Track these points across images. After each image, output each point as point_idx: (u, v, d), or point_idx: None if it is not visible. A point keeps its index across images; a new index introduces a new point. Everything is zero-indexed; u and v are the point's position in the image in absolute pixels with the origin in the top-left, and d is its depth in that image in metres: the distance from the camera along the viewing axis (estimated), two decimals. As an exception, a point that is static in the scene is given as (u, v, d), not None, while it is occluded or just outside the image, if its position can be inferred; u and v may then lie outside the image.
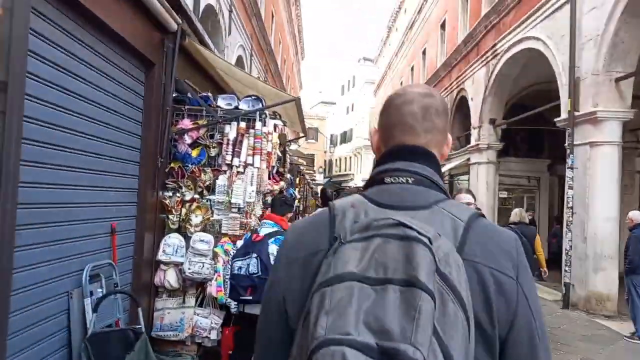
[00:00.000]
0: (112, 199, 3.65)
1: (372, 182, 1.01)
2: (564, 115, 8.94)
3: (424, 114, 1.00)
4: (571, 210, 8.54)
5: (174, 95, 4.56)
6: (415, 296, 0.66)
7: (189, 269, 4.15)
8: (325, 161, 54.61)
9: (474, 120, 13.91)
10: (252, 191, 4.32)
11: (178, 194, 4.41)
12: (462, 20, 15.82)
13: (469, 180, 14.33)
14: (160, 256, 4.20)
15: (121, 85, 3.79)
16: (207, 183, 4.41)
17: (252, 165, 4.40)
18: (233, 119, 4.50)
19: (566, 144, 8.77)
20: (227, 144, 4.41)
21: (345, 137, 50.38)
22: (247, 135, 4.46)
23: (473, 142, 13.79)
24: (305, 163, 19.22)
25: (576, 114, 8.46)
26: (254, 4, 12.90)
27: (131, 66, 3.93)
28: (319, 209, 1.95)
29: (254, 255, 3.40)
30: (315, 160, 37.16)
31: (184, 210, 4.36)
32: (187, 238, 4.33)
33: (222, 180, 4.37)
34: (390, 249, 0.73)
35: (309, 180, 25.19)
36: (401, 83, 28.00)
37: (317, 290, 0.73)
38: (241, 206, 4.29)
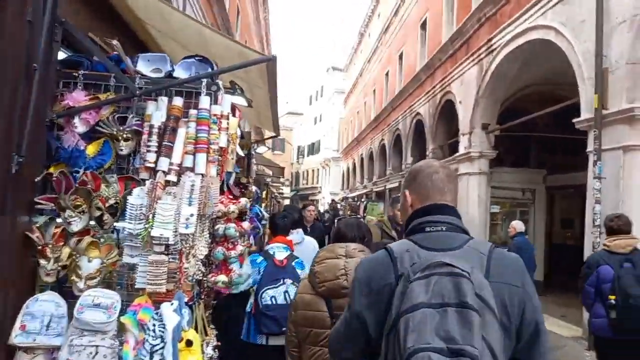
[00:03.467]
0: None
1: (414, 230, 1.43)
2: (585, 114, 7.47)
3: (446, 180, 1.51)
4: (598, 229, 7.00)
5: (61, 55, 2.69)
6: (468, 314, 1.11)
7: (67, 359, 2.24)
8: (292, 173, 52.85)
9: (464, 125, 12.41)
10: (192, 215, 2.47)
11: (59, 221, 2.50)
12: (447, 17, 14.43)
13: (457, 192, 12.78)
14: (15, 337, 2.27)
15: None
16: (112, 201, 2.53)
17: (192, 170, 2.56)
18: (162, 92, 2.65)
19: (590, 149, 7.27)
20: (150, 133, 2.55)
21: (313, 149, 48.89)
22: (186, 120, 2.61)
23: (462, 150, 12.26)
24: (272, 173, 17.31)
25: (604, 112, 6.98)
26: (214, -12, 11.03)
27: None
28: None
29: (290, 281, 3.22)
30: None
31: (66, 250, 2.45)
32: (72, 299, 2.43)
33: (137, 196, 2.49)
34: (444, 283, 1.16)
35: (276, 194, 23.30)
36: (374, 91, 26.66)
37: (402, 316, 1.14)
38: (170, 241, 2.42)
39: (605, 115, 6.98)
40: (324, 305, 2.19)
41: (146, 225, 2.42)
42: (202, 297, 2.72)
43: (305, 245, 4.42)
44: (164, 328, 2.40)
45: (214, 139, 2.58)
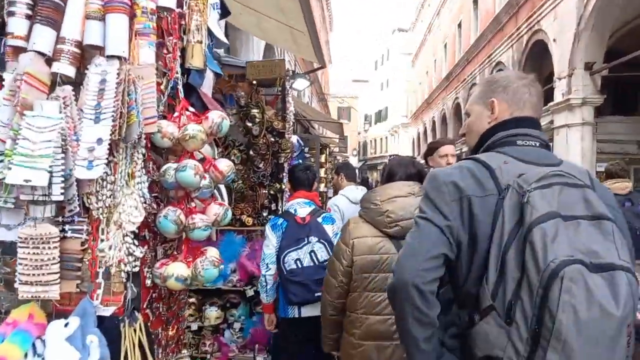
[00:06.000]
0: None
1: (501, 143, 1.24)
2: None
3: (541, 96, 1.31)
4: None
5: None
6: (605, 225, 0.99)
7: None
8: (359, 143, 51.23)
9: (560, 67, 10.26)
10: (100, 141, 1.18)
11: None
12: (533, -61, 12.05)
13: (553, 149, 10.74)
14: None
15: None
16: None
17: (102, 53, 1.25)
18: None
19: None
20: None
21: (380, 116, 46.78)
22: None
23: (559, 97, 10.13)
24: (337, 136, 15.97)
25: None
26: None
27: None
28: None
29: (315, 239, 2.83)
30: (348, 141, 33.63)
31: None
32: None
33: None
34: (570, 193, 1.03)
35: (340, 160, 22.31)
36: (445, 46, 24.30)
37: (533, 227, 0.97)
38: (56, 195, 1.15)
39: None
40: (393, 247, 2.07)
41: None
42: (142, 306, 1.42)
43: None
44: (47, 374, 1.17)
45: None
